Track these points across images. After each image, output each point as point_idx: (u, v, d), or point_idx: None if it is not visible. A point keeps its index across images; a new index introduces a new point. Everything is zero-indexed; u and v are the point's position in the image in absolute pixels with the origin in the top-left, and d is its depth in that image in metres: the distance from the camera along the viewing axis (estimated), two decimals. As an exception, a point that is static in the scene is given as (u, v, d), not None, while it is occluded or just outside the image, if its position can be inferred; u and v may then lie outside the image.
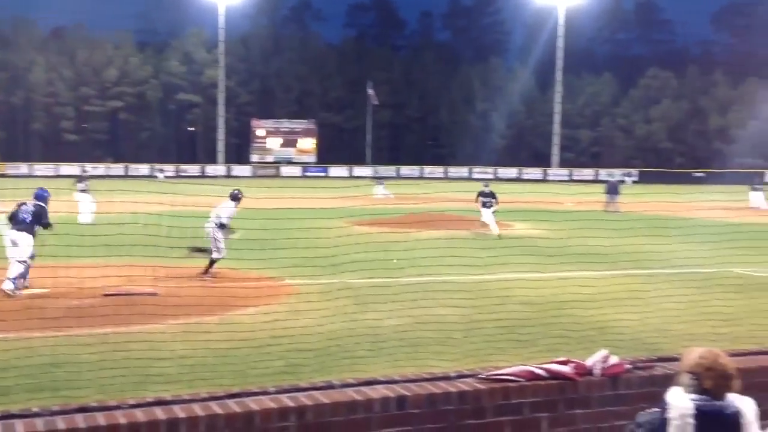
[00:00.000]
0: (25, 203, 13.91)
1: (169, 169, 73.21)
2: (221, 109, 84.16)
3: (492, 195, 24.56)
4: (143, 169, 73.65)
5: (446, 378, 4.77)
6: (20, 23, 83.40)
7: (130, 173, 72.40)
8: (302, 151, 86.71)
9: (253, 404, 4.24)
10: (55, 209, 14.53)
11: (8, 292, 12.74)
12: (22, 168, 70.71)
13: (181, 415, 4.07)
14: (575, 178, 75.31)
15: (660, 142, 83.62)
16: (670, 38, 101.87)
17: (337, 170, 79.81)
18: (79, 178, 30.83)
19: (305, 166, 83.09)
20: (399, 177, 75.20)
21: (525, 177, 75.75)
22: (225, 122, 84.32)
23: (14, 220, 13.63)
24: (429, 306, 10.64)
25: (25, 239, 13.41)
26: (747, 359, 5.38)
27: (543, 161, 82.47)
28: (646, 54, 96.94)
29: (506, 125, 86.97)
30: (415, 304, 10.45)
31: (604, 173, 69.79)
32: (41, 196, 14.27)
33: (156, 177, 61.21)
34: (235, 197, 15.92)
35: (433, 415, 4.50)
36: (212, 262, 15.18)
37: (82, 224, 22.70)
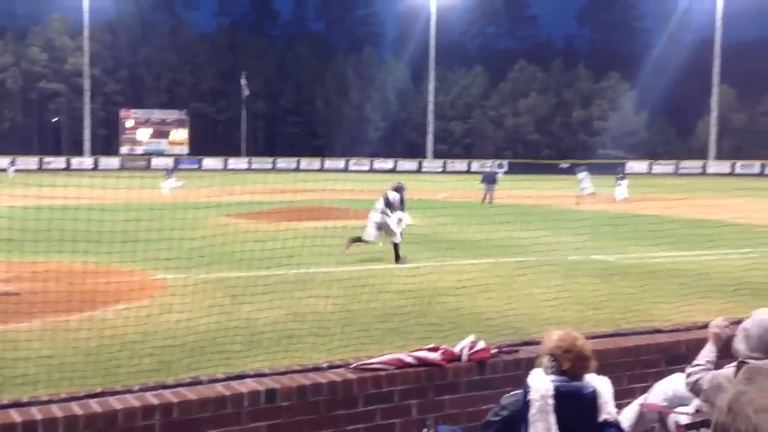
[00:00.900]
0: None
1: (33, 161, 69.61)
2: (87, 98, 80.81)
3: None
4: (3, 161, 69.77)
5: (317, 369, 4.77)
6: None
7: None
8: (174, 143, 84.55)
9: (116, 403, 4.11)
10: None
11: None
12: None
13: (38, 417, 3.89)
14: (449, 169, 76.90)
15: (528, 134, 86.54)
16: (537, 33, 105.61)
17: (210, 162, 78.32)
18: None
19: (177, 157, 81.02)
20: (275, 169, 74.58)
21: (400, 169, 76.69)
22: (91, 112, 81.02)
23: None
24: (305, 298, 10.61)
25: None
26: (604, 341, 5.64)
27: (418, 153, 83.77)
28: (514, 48, 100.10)
29: (381, 117, 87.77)
30: (291, 296, 10.41)
31: (476, 165, 71.64)
32: None
33: (5, 170, 57.54)
34: (399, 189, 17.65)
35: (304, 407, 4.49)
36: (396, 246, 16.48)
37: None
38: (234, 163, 78.21)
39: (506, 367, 5.11)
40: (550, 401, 3.88)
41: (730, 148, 75.71)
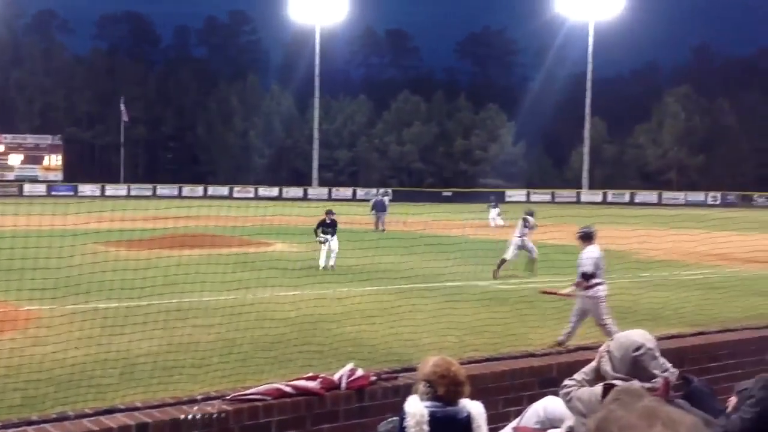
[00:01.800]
0: None
1: None
2: (-48, 121, 76.68)
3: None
4: None
5: (192, 401, 4.66)
6: None
7: None
8: (48, 169, 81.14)
9: (-27, 444, 3.89)
10: None
11: None
12: None
13: None
14: (334, 197, 77.16)
15: (412, 162, 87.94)
16: (419, 64, 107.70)
17: (87, 188, 75.60)
18: None
19: (51, 184, 77.73)
20: (156, 196, 72.67)
21: (286, 196, 76.31)
22: (-43, 136, 76.85)
23: None
24: (184, 328, 10.35)
25: None
26: (480, 366, 5.77)
27: (303, 180, 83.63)
28: (398, 78, 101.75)
29: (266, 144, 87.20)
30: (170, 326, 10.13)
31: (361, 192, 72.14)
32: None
33: None
34: (530, 214, 21.29)
35: (178, 441, 4.37)
36: (503, 261, 19.74)
37: None
38: (112, 189, 75.74)
39: (385, 395, 5.13)
40: (425, 427, 3.93)
41: (603, 177, 79.30)
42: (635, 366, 4.24)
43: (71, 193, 73.62)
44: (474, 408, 4.15)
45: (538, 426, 5.04)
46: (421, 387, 4.11)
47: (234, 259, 16.60)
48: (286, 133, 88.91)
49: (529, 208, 22.63)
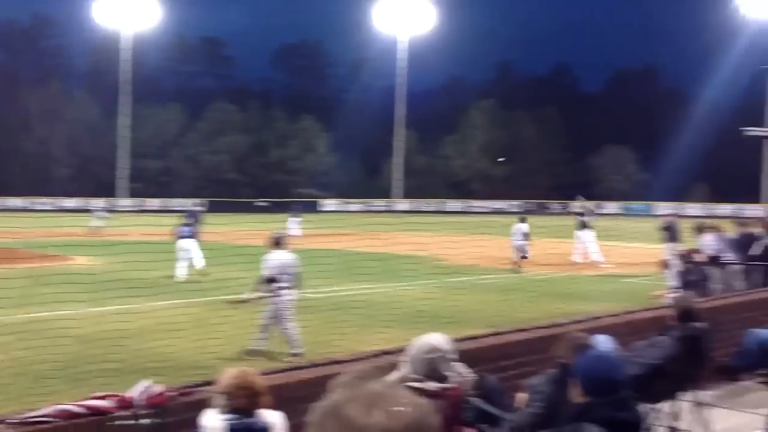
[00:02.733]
0: None
1: None
2: None
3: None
4: None
5: (-32, 428, 4.31)
6: None
7: None
8: None
9: None
10: None
11: None
12: None
13: None
14: (144, 208, 74.36)
15: (227, 172, 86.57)
16: (234, 73, 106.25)
17: None
18: None
19: None
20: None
21: (91, 207, 72.52)
22: None
23: None
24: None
25: None
26: (283, 375, 5.75)
27: (110, 191, 79.99)
28: (212, 87, 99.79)
29: (69, 154, 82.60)
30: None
31: (174, 203, 69.95)
32: None
33: None
34: (524, 220, 24.74)
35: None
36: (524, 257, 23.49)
37: None
38: None
39: (185, 410, 4.98)
40: (223, 440, 3.86)
41: (415, 187, 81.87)
42: (429, 367, 4.40)
43: None
44: (274, 418, 4.13)
45: None
46: (220, 400, 4.04)
47: (28, 272, 15.60)
48: (91, 141, 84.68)
49: (522, 216, 26.15)
